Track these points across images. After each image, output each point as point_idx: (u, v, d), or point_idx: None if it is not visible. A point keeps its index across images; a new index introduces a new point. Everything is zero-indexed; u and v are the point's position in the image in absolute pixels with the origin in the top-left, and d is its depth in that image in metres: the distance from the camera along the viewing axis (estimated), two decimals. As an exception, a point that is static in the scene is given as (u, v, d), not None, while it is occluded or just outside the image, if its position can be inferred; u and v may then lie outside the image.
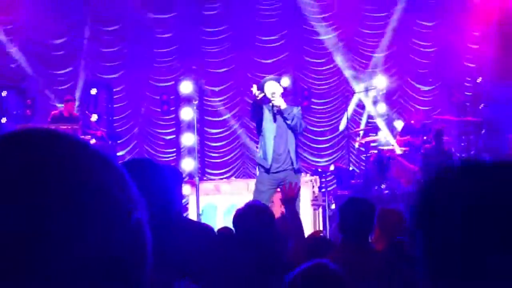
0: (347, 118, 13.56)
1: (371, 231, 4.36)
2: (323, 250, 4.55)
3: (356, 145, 13.69)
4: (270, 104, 7.74)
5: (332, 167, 13.02)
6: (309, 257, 4.48)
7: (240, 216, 3.86)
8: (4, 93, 13.36)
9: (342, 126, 14.08)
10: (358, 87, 14.01)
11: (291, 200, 4.82)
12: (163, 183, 2.65)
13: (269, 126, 7.81)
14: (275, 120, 7.80)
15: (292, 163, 7.80)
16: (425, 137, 11.82)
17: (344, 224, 4.19)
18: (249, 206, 4.00)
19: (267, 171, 7.82)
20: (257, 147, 8.52)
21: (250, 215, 3.79)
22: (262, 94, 7.56)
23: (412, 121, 12.65)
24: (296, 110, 7.87)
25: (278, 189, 7.48)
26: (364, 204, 4.27)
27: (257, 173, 8.20)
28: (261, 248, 3.68)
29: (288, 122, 7.72)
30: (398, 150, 12.04)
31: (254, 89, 7.57)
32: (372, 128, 13.69)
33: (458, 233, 1.10)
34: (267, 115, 7.81)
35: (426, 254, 1.16)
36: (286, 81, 13.34)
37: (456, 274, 1.11)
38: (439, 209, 1.15)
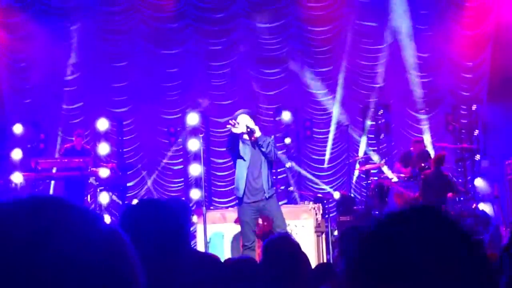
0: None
1: None
2: (327, 276, 4.75)
3: (356, 173, 13.95)
4: (244, 135, 8.13)
5: (337, 195, 13.24)
6: (314, 283, 4.76)
7: (271, 246, 3.88)
8: (19, 128, 13.72)
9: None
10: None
11: (268, 233, 4.94)
12: (171, 220, 2.61)
13: (243, 157, 8.19)
14: (249, 151, 8.18)
15: (264, 193, 8.13)
16: (422, 164, 12.06)
17: (345, 252, 4.42)
18: (279, 238, 4.01)
19: (241, 201, 8.18)
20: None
21: (282, 246, 3.81)
22: (239, 127, 8.00)
23: (411, 148, 12.94)
24: (270, 139, 8.30)
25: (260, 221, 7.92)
26: (360, 232, 4.52)
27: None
28: (286, 278, 3.72)
29: (263, 149, 8.08)
30: (395, 178, 12.34)
31: (236, 127, 7.99)
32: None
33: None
34: (241, 147, 8.19)
35: None
36: (286, 114, 13.81)
37: None
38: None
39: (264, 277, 3.83)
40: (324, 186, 14.44)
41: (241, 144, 8.19)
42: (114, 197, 12.67)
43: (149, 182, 14.45)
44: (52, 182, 12.99)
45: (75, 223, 0.85)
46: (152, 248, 2.34)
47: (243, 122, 8.09)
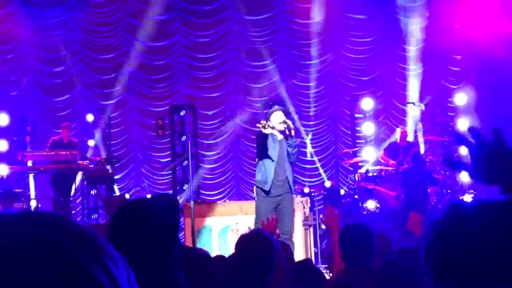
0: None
1: (372, 256, 4.27)
2: (311, 277, 4.64)
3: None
4: (275, 132, 8.16)
5: (328, 184, 13.28)
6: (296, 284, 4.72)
7: (244, 241, 3.83)
8: (5, 120, 13.63)
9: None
10: None
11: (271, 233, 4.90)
12: (162, 221, 2.55)
13: (272, 153, 8.21)
14: (278, 148, 8.22)
15: (290, 188, 8.31)
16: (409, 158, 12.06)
17: (346, 251, 4.25)
18: (254, 233, 3.97)
19: (266, 193, 8.26)
20: (253, 170, 8.88)
21: (254, 242, 3.75)
22: (270, 128, 8.07)
23: (398, 141, 12.94)
24: (298, 141, 8.46)
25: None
26: (363, 231, 4.29)
27: (254, 194, 8.61)
28: (258, 275, 3.67)
29: (290, 149, 8.16)
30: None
31: (266, 129, 8.07)
32: (360, 149, 13.99)
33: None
34: (270, 143, 8.19)
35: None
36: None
37: None
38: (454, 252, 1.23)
39: (235, 273, 3.78)
40: (310, 179, 14.42)
41: (270, 140, 8.20)
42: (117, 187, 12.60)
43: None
44: (31, 176, 12.89)
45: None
46: (144, 250, 2.33)
47: (279, 119, 8.17)
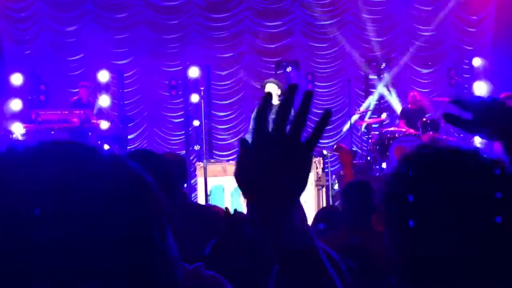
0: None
1: (373, 213, 4.29)
2: (332, 218, 4.83)
3: (351, 121, 13.69)
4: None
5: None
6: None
7: None
8: (19, 79, 13.66)
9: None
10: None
11: None
12: (164, 173, 2.58)
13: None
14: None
15: None
16: (424, 119, 12.00)
17: (346, 207, 4.37)
18: None
19: None
20: None
21: None
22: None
23: (409, 105, 12.87)
24: None
25: None
26: (363, 187, 4.38)
27: None
28: None
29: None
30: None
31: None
32: (374, 110, 13.96)
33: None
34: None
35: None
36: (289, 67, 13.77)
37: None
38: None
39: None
40: (323, 141, 14.40)
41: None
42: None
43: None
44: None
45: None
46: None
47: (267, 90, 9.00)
